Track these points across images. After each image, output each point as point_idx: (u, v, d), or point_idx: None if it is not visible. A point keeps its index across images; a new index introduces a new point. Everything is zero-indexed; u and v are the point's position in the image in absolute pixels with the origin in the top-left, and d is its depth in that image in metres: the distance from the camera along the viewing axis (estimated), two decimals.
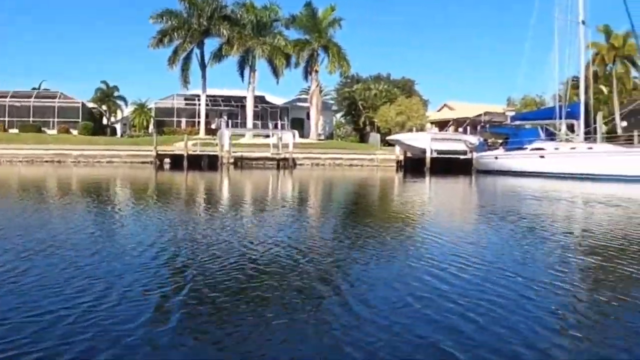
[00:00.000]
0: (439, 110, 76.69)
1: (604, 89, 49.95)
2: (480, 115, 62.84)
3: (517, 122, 49.13)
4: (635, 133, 41.20)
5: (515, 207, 23.23)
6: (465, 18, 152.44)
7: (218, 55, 59.33)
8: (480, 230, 15.69)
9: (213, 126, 62.92)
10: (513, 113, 51.05)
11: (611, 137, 44.42)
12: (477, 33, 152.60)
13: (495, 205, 24.29)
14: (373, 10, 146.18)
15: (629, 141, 41.36)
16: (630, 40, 51.14)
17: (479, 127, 55.02)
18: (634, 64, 53.25)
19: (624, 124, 44.80)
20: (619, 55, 51.66)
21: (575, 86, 46.28)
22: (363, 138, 63.58)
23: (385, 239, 12.74)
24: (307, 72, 61.37)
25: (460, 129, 55.08)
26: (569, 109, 42.98)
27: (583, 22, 42.43)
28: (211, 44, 60.98)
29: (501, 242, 12.94)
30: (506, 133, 48.75)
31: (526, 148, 43.55)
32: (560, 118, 43.33)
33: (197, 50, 60.44)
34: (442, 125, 65.57)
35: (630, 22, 40.70)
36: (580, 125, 42.57)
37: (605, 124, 48.48)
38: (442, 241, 12.14)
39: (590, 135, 43.05)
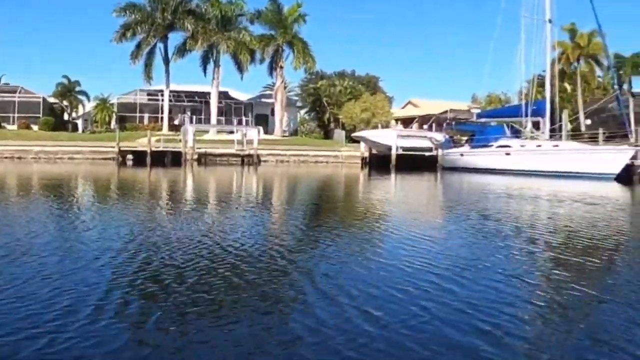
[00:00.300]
0: (403, 107, 76.73)
1: (568, 87, 50.03)
2: (445, 112, 62.93)
3: (483, 120, 49.18)
4: (600, 131, 41.19)
5: (480, 204, 23.45)
6: (431, 15, 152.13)
7: (182, 50, 58.51)
8: (444, 227, 15.79)
9: (176, 122, 62.02)
10: (479, 110, 51.14)
11: (576, 135, 44.58)
12: (444, 31, 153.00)
13: (461, 202, 24.39)
14: (336, 7, 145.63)
15: (593, 139, 41.41)
16: (595, 40, 51.62)
17: (444, 124, 54.84)
18: (598, 62, 53.65)
19: (588, 122, 45.08)
20: (584, 54, 51.97)
21: (540, 84, 46.56)
22: (327, 134, 63.31)
23: (347, 237, 12.60)
24: (271, 68, 60.76)
25: (426, 126, 55.00)
26: (534, 107, 43.13)
27: (549, 21, 42.64)
28: (175, 39, 60.20)
29: (463, 239, 13.02)
30: (472, 130, 48.76)
31: (492, 145, 43.63)
32: (526, 116, 43.28)
33: (160, 45, 59.61)
34: (406, 122, 65.79)
35: (596, 21, 41.03)
36: (546, 123, 42.76)
37: (570, 122, 48.65)
38: (404, 240, 12.09)
39: (555, 133, 43.15)
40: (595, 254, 11.55)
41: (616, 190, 32.17)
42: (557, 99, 44.72)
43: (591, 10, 40.99)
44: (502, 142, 43.42)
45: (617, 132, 43.05)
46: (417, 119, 59.49)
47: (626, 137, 42.17)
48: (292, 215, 17.28)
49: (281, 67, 59.65)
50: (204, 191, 27.44)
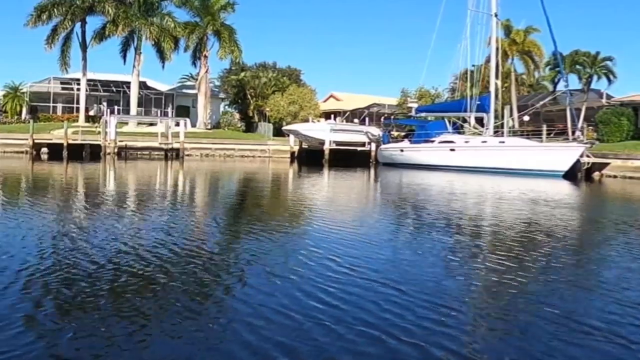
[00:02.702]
0: (325, 101, 75.37)
1: (498, 84, 49.06)
2: (370, 105, 61.72)
3: (423, 114, 47.73)
4: (544, 127, 40.29)
5: (423, 202, 23.51)
6: (351, 10, 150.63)
7: (101, 36, 54.65)
8: (381, 226, 16.02)
9: (91, 112, 58.28)
10: (416, 105, 49.66)
11: (517, 131, 43.87)
12: (367, 25, 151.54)
13: (406, 200, 24.28)
14: None
15: (535, 135, 40.48)
16: (530, 37, 51.28)
17: (382, 119, 53.27)
18: (533, 60, 53.24)
19: (527, 118, 44.25)
20: (519, 50, 51.31)
21: (468, 79, 46.17)
22: (250, 127, 60.87)
23: (270, 241, 12.28)
24: (195, 57, 57.64)
25: (356, 120, 53.22)
26: (478, 102, 42.07)
27: (495, 15, 41.93)
28: (94, 23, 55.93)
29: (395, 240, 13.44)
30: (413, 125, 47.16)
31: (434, 141, 42.66)
32: (470, 110, 41.94)
33: (78, 30, 55.45)
34: (328, 116, 63.96)
35: (545, 17, 40.24)
36: (490, 119, 41.81)
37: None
38: (332, 244, 11.93)
39: (498, 129, 42.04)
40: (550, 249, 12.42)
41: (565, 187, 32.29)
42: (500, 95, 43.41)
43: (538, 6, 40.59)
44: (444, 137, 42.52)
45: (556, 129, 42.92)
46: (345, 113, 57.71)
47: (564, 134, 41.86)
48: (216, 218, 16.59)
49: (205, 57, 56.80)
50: (128, 189, 25.80)
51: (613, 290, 8.99)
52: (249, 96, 59.67)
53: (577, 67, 48.88)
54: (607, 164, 38.49)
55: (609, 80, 51.65)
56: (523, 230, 15.24)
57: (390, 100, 64.64)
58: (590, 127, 42.28)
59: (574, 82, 49.54)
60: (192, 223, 15.15)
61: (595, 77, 51.36)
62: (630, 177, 36.88)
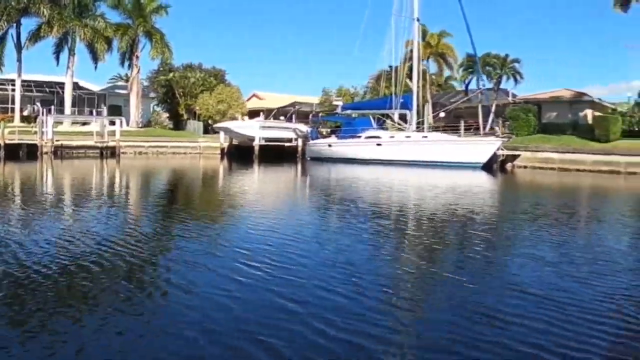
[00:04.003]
0: (248, 100, 75.69)
1: (409, 83, 51.43)
2: (292, 104, 63.08)
3: (348, 111, 49.57)
4: (462, 123, 43.09)
5: (349, 193, 24.84)
6: (275, 10, 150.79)
7: (36, 37, 53.95)
8: (314, 215, 17.55)
9: (25, 113, 57.11)
10: (341, 103, 51.32)
11: (437, 127, 46.13)
12: (293, 28, 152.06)
13: (334, 191, 25.71)
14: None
15: (453, 130, 43.07)
16: (443, 40, 54.18)
17: (311, 116, 54.78)
18: (446, 61, 56.14)
19: (442, 114, 46.85)
20: (433, 52, 54.00)
21: (386, 78, 49.37)
22: (178, 125, 61.16)
23: (204, 232, 13.14)
24: (126, 58, 57.93)
25: (283, 118, 54.43)
26: (402, 100, 44.10)
27: (417, 19, 44.08)
28: (28, 24, 54.92)
29: (326, 228, 14.93)
30: (340, 121, 48.94)
31: (361, 136, 44.45)
32: (395, 108, 44.13)
33: (13, 31, 54.36)
34: (252, 114, 64.74)
35: (465, 22, 42.99)
36: (413, 115, 43.92)
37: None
38: (259, 235, 12.83)
39: (419, 125, 44.35)
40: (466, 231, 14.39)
41: (484, 177, 35.18)
42: (421, 94, 45.86)
43: (458, 11, 43.12)
44: (370, 133, 44.49)
45: (471, 125, 45.69)
46: (274, 112, 58.70)
47: (478, 130, 44.73)
48: (151, 214, 17.29)
49: (137, 57, 57.17)
50: (70, 187, 26.22)
51: (525, 256, 11.05)
52: (178, 95, 60.34)
53: (488, 68, 51.77)
54: (518, 155, 41.94)
55: (516, 81, 55.02)
56: (447, 215, 17.38)
57: (311, 99, 66.32)
58: (500, 123, 45.23)
59: (485, 82, 52.95)
60: (128, 219, 15.76)
61: (504, 78, 54.49)
62: (539, 168, 40.45)
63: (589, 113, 51.38)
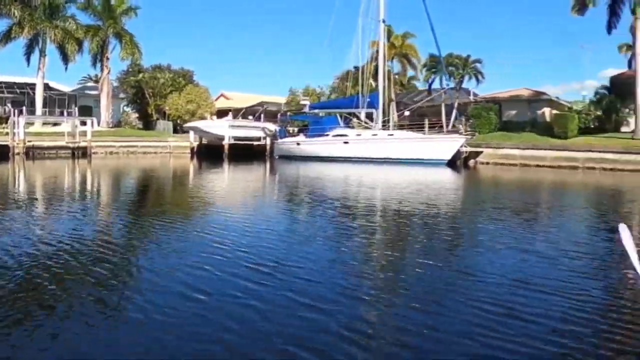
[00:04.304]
0: (215, 100, 75.76)
1: (373, 84, 52.30)
2: (259, 103, 63.52)
3: (316, 110, 50.17)
4: (426, 122, 44.01)
5: (321, 189, 25.71)
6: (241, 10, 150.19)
7: (6, 38, 53.24)
8: (284, 211, 18.22)
9: None
10: (308, 102, 52.05)
11: (401, 125, 47.13)
12: (260, 29, 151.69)
13: (306, 188, 26.39)
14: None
15: (417, 128, 44.02)
16: (407, 41, 55.22)
17: (279, 115, 55.25)
18: (409, 61, 57.21)
19: (407, 113, 47.83)
20: (397, 53, 54.96)
21: (349, 78, 50.30)
22: (148, 125, 61.14)
23: (173, 232, 13.09)
24: (97, 59, 57.44)
25: (251, 117, 54.83)
26: (369, 99, 44.82)
27: (383, 21, 44.95)
28: None
29: (295, 224, 15.41)
30: (308, 120, 49.51)
31: (328, 135, 44.97)
32: (361, 107, 44.89)
33: None
34: (220, 114, 64.91)
35: (430, 24, 44.03)
36: (379, 114, 44.66)
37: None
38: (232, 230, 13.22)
39: (385, 124, 45.21)
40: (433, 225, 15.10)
41: (449, 174, 36.20)
42: (386, 93, 46.69)
43: (423, 13, 44.19)
44: (337, 131, 45.05)
45: (435, 123, 46.77)
46: (238, 111, 59.06)
47: (441, 128, 45.88)
48: (122, 213, 17.27)
49: (107, 59, 56.89)
50: (39, 187, 25.93)
51: (485, 245, 11.92)
52: (147, 96, 60.32)
53: (451, 68, 52.65)
54: (481, 152, 42.90)
55: (478, 80, 56.52)
56: (413, 209, 18.09)
57: (278, 99, 66.81)
58: (463, 121, 46.38)
59: (448, 82, 54.01)
60: (98, 218, 15.78)
61: (466, 77, 55.94)
62: (501, 164, 41.38)
63: (546, 111, 53.00)
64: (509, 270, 9.63)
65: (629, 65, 56.62)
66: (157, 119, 59.89)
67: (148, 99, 60.20)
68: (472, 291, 8.32)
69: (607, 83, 52.03)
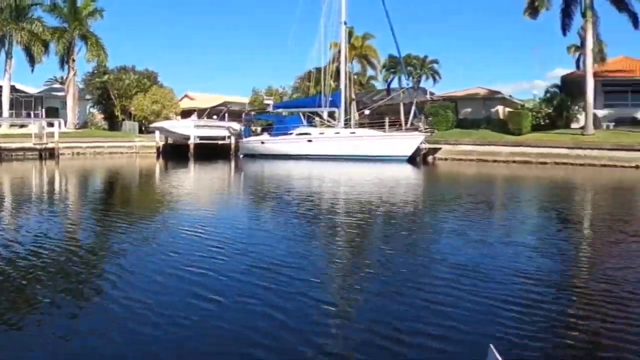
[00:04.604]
0: (180, 100, 75.71)
1: (332, 84, 53.11)
2: (222, 104, 63.84)
3: (280, 110, 50.74)
4: (387, 120, 45.03)
5: (293, 187, 26.02)
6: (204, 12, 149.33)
7: None
8: (252, 208, 18.78)
9: None
10: (271, 101, 52.43)
11: (362, 124, 47.96)
12: (223, 29, 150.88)
13: (270, 185, 27.03)
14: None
15: (379, 127, 45.01)
16: (367, 42, 56.23)
17: (243, 115, 55.65)
18: (369, 62, 58.20)
19: (367, 111, 48.70)
20: (357, 54, 55.85)
21: (311, 78, 51.52)
22: (114, 126, 60.97)
23: (139, 231, 13.25)
24: (63, 61, 56.92)
25: (215, 117, 55.17)
26: (331, 98, 45.60)
27: (345, 23, 45.72)
28: None
29: (262, 220, 15.77)
30: (272, 120, 49.95)
31: (292, 133, 45.43)
32: (324, 106, 45.65)
33: None
34: (184, 114, 65.03)
35: (389, 24, 44.99)
36: (341, 113, 45.48)
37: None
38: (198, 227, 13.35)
39: (347, 122, 46.07)
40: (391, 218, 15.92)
41: (409, 169, 37.23)
42: (347, 93, 47.54)
43: (382, 15, 45.22)
44: (301, 130, 45.57)
45: (395, 122, 47.82)
46: (203, 112, 59.27)
47: (400, 126, 47.00)
48: (89, 213, 17.46)
49: (74, 60, 56.43)
50: (7, 188, 25.49)
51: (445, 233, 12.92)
52: (113, 97, 60.16)
53: (409, 68, 53.21)
54: (439, 148, 43.98)
55: (435, 80, 57.57)
56: (376, 203, 19.04)
57: (241, 99, 67.00)
58: (423, 119, 47.48)
59: (407, 82, 55.23)
60: (65, 218, 15.85)
61: (424, 77, 57.01)
62: (459, 159, 42.54)
63: (500, 109, 54.67)
64: (465, 257, 10.37)
65: (577, 66, 58.93)
66: (123, 119, 59.73)
67: (114, 100, 60.03)
68: (434, 277, 8.96)
69: (556, 82, 53.88)
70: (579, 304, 7.86)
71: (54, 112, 56.87)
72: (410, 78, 53.07)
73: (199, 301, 7.51)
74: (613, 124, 46.58)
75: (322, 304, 7.56)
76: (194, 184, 28.98)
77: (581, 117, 46.14)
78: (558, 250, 11.45)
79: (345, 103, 46.55)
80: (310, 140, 44.11)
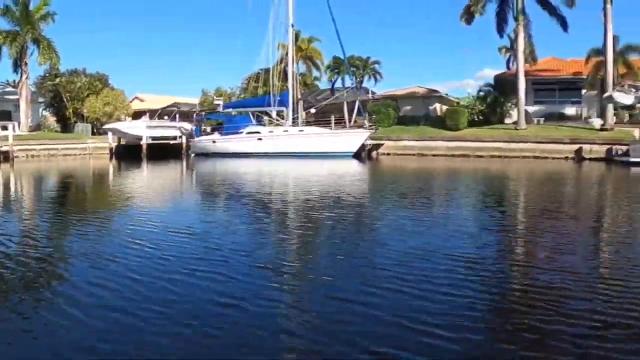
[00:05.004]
0: (130, 102, 75.51)
1: (278, 84, 54.17)
2: (172, 104, 64.13)
3: (230, 110, 51.50)
4: (332, 118, 46.60)
5: (244, 184, 26.59)
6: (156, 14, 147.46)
7: None
8: (204, 205, 19.16)
9: None
10: (221, 102, 53.10)
11: (308, 122, 49.19)
12: (171, 31, 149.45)
13: (222, 182, 27.13)
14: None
15: (326, 124, 46.40)
16: (312, 45, 57.75)
17: (194, 115, 56.14)
18: (314, 63, 59.73)
19: (313, 110, 49.78)
20: (303, 55, 57.17)
21: (258, 79, 52.86)
22: (66, 128, 60.44)
23: (93, 230, 13.35)
24: (16, 64, 56.20)
25: (167, 117, 55.46)
26: (279, 98, 46.67)
27: (292, 25, 46.95)
28: None
29: (215, 215, 16.15)
30: (222, 119, 50.63)
31: (242, 132, 46.10)
32: (273, 105, 46.74)
33: None
34: (135, 115, 65.03)
35: (335, 27, 46.67)
36: (289, 112, 46.62)
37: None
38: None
39: (295, 120, 47.26)
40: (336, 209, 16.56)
41: (355, 165, 38.53)
42: (295, 92, 48.74)
43: (330, 17, 46.61)
44: (251, 129, 46.32)
45: (340, 120, 49.42)
46: (154, 112, 59.48)
47: (344, 124, 48.71)
48: (44, 213, 17.46)
49: (26, 64, 55.88)
50: None
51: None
52: (65, 99, 59.68)
53: (353, 68, 54.38)
54: (382, 144, 45.69)
55: (376, 80, 59.48)
56: (324, 196, 19.81)
57: (191, 100, 67.30)
58: (367, 116, 49.06)
59: (349, 81, 56.85)
60: (19, 220, 15.77)
61: (366, 77, 58.79)
62: (401, 154, 44.29)
63: (438, 107, 57.03)
64: (408, 243, 11.25)
65: (507, 66, 62.10)
66: (75, 121, 59.31)
67: (66, 103, 59.45)
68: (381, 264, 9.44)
69: (485, 81, 56.76)
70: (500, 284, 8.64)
71: (6, 116, 56.11)
72: (354, 78, 54.65)
73: (152, 296, 7.66)
74: (543, 119, 49.28)
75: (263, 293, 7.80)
76: (147, 183, 29.23)
77: (513, 113, 48.66)
78: (486, 232, 12.94)
79: (293, 102, 47.74)
80: (260, 139, 44.91)
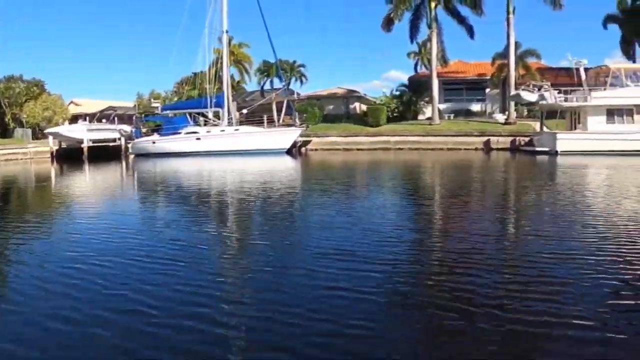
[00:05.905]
0: (67, 107, 74.91)
1: (207, 87, 55.23)
2: (107, 108, 64.14)
3: (168, 111, 52.11)
4: (265, 118, 48.34)
5: (186, 182, 26.80)
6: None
7: None
8: (147, 205, 18.86)
9: None
10: (159, 104, 53.70)
11: (241, 122, 50.44)
12: (106, 35, 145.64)
13: (164, 182, 27.21)
14: None
15: (259, 124, 48.11)
16: (242, 50, 59.46)
17: (134, 117, 56.37)
18: (243, 67, 61.40)
19: (245, 111, 50.95)
20: (234, 60, 58.53)
21: (189, 83, 55.29)
22: (5, 134, 59.45)
23: (36, 233, 12.99)
24: None
25: (105, 120, 55.45)
26: (215, 100, 47.59)
27: (226, 32, 48.25)
28: None
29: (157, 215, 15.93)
30: (161, 121, 50.99)
31: (181, 132, 46.52)
32: (210, 107, 48.02)
33: None
34: (73, 119, 64.34)
35: (267, 33, 48.52)
36: (225, 113, 47.83)
37: None
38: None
39: (230, 120, 48.55)
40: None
41: (289, 160, 39.86)
42: (230, 94, 50.11)
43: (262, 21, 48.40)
44: (189, 129, 46.76)
45: (271, 119, 51.37)
46: (92, 116, 59.34)
47: (274, 123, 50.71)
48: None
49: None
50: None
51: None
52: (3, 105, 59.00)
53: (281, 71, 56.47)
54: (310, 141, 47.37)
55: (302, 82, 62.01)
56: (261, 190, 20.55)
57: (126, 103, 67.29)
58: (297, 115, 50.87)
59: (277, 83, 58.70)
60: None
61: (293, 79, 60.81)
62: (328, 149, 46.26)
63: (358, 105, 60.10)
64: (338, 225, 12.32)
65: (415, 69, 67.40)
66: (14, 127, 58.92)
67: (4, 109, 58.98)
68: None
69: (393, 82, 60.64)
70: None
71: None
72: (284, 80, 56.30)
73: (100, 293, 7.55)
74: (452, 115, 52.91)
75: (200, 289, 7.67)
76: (90, 184, 28.93)
77: (427, 110, 51.89)
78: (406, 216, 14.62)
79: (229, 103, 49.09)
80: (199, 139, 45.44)
